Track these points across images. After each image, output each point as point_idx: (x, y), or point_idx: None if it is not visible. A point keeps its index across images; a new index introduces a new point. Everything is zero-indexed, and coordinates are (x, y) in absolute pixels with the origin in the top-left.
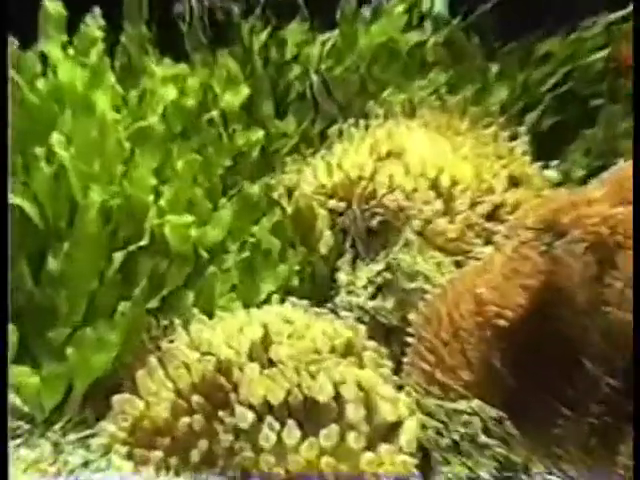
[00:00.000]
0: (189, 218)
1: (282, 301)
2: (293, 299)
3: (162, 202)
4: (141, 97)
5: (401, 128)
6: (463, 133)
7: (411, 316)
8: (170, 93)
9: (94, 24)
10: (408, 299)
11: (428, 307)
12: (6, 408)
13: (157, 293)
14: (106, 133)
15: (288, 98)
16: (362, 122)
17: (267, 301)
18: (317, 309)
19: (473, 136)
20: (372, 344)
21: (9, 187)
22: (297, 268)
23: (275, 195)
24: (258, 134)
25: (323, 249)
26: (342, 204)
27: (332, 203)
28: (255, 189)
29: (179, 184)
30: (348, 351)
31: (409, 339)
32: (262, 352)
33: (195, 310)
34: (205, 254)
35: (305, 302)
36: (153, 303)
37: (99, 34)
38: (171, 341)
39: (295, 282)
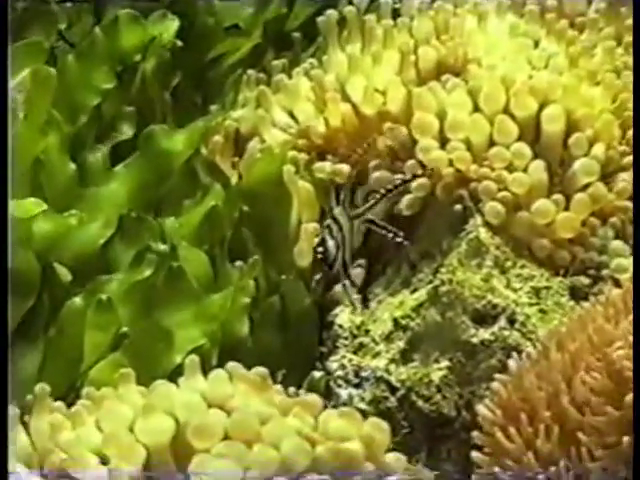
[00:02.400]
0: (37, 205)
1: (213, 367)
2: (234, 365)
3: None
4: None
5: (463, 15)
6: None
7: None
8: None
9: None
10: (474, 365)
11: (516, 382)
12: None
13: None
14: None
15: None
16: (386, 1)
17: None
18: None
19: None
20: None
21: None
22: (245, 300)
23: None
24: (172, 25)
25: (301, 259)
26: (344, 167)
27: (326, 166)
28: (169, 141)
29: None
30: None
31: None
32: None
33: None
34: (64, 273)
35: (261, 371)
36: None
37: None
38: None
39: (242, 328)
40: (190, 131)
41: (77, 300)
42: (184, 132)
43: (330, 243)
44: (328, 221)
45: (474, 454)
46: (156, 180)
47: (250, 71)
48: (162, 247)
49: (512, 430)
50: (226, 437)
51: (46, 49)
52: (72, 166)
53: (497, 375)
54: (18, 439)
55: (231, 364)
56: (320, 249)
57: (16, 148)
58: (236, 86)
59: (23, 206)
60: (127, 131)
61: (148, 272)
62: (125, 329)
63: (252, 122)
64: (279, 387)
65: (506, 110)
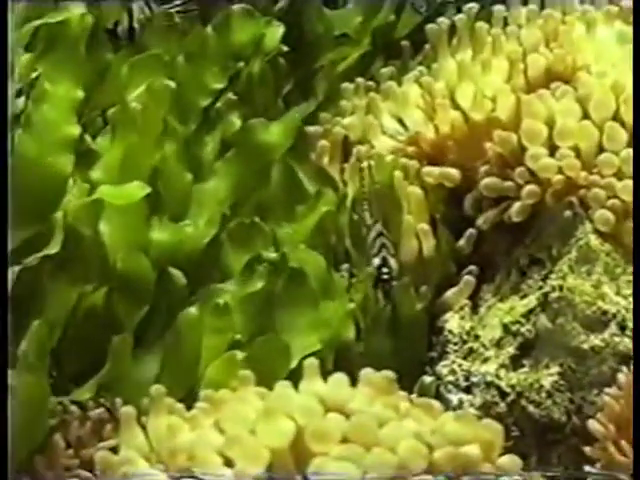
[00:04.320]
0: (141, 188)
1: (327, 373)
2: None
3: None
4: None
5: (572, 22)
6: None
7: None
8: None
9: None
10: (584, 371)
11: (627, 395)
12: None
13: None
14: None
15: None
16: (498, 9)
17: (297, 373)
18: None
19: None
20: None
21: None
22: (351, 306)
23: (323, 161)
24: (278, 30)
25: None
26: (453, 171)
27: (435, 170)
28: (265, 133)
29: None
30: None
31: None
32: None
33: (162, 389)
34: (180, 278)
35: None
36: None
37: None
38: None
39: (349, 333)
40: (286, 122)
41: (192, 310)
42: (280, 124)
43: (392, 261)
44: (383, 239)
45: (587, 468)
46: (255, 175)
47: (359, 79)
48: (273, 255)
49: (625, 444)
50: (346, 440)
51: (165, 61)
52: (189, 175)
53: (607, 389)
54: (136, 439)
55: (365, 370)
56: (384, 270)
57: (131, 158)
58: (346, 94)
59: (128, 192)
60: (236, 121)
61: (261, 282)
62: (239, 336)
63: (361, 129)
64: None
65: (615, 117)
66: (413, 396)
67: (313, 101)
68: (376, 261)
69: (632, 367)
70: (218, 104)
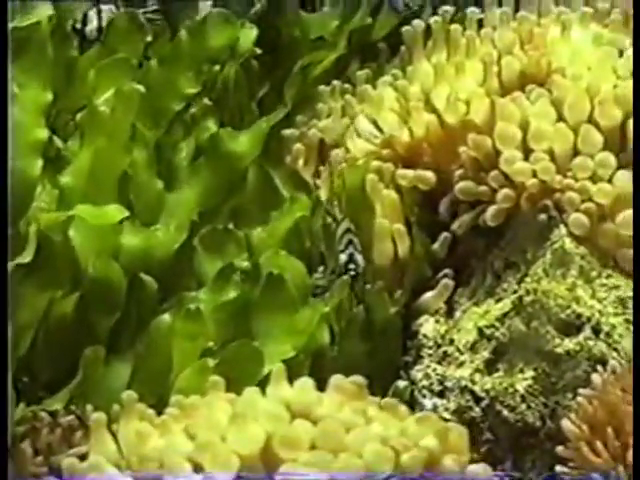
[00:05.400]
0: (119, 211)
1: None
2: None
3: (64, 177)
4: None
5: (547, 25)
6: None
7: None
8: None
9: None
10: (559, 375)
11: (602, 396)
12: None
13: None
14: None
15: None
16: (472, 11)
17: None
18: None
19: None
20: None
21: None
22: (326, 310)
23: (298, 165)
24: (251, 33)
25: (381, 259)
26: (430, 175)
27: (409, 173)
28: (233, 143)
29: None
30: None
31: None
32: None
33: (134, 396)
34: (151, 284)
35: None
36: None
37: None
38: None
39: (324, 337)
40: (254, 132)
41: (165, 317)
42: (248, 133)
43: (359, 257)
44: (351, 236)
45: (559, 468)
46: (224, 184)
47: (335, 82)
48: (246, 264)
49: (599, 445)
50: (314, 446)
51: (133, 65)
52: (159, 181)
53: (582, 390)
54: (106, 446)
55: (335, 376)
56: (351, 266)
57: (100, 163)
58: (322, 97)
59: (106, 213)
60: (212, 127)
61: (235, 290)
62: (212, 344)
63: (337, 132)
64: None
65: (590, 120)
66: (382, 400)
67: (284, 107)
68: (343, 257)
69: (632, 367)
70: (192, 109)
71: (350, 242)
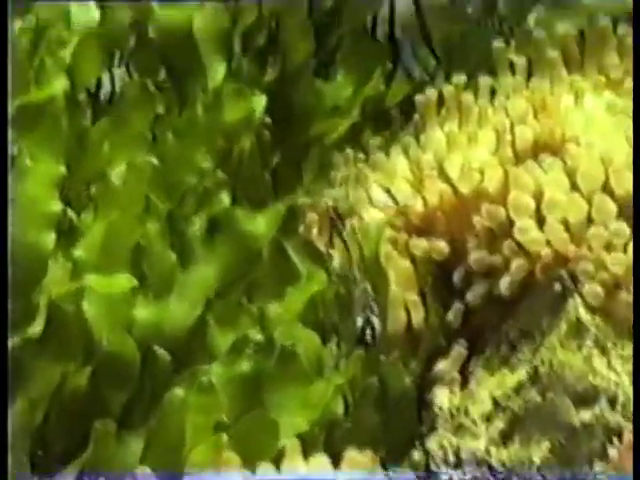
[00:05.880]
0: (129, 280)
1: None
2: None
3: (77, 249)
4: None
5: (560, 93)
6: None
7: None
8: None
9: None
10: (575, 446)
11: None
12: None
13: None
14: None
15: (339, 38)
16: (485, 80)
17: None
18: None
19: None
20: None
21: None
22: (340, 382)
23: (312, 234)
24: (262, 100)
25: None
26: (443, 245)
27: (423, 243)
28: (250, 223)
29: (110, 213)
30: None
31: None
32: None
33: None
34: (165, 357)
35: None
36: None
37: None
38: None
39: (338, 408)
40: (271, 214)
41: (177, 390)
42: (265, 215)
43: (375, 320)
44: (368, 299)
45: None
46: (241, 262)
47: (349, 150)
48: (260, 336)
49: None
50: None
51: (146, 138)
52: (173, 254)
53: (598, 463)
54: None
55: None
56: (368, 330)
57: (114, 236)
58: (335, 165)
59: (116, 282)
60: (225, 200)
61: (248, 363)
62: (225, 417)
63: (350, 201)
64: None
65: (605, 189)
66: (391, 473)
67: (302, 186)
68: (359, 320)
69: (632, 367)
70: (206, 182)
71: (367, 306)
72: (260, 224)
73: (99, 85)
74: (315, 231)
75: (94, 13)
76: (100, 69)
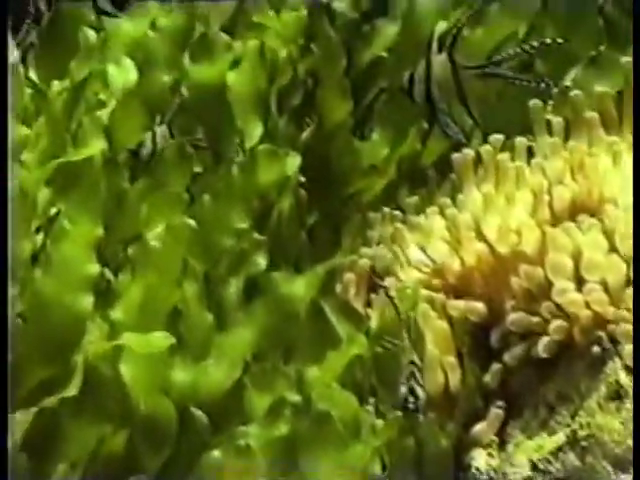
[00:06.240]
0: (166, 338)
1: None
2: None
3: (115, 311)
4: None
5: (597, 154)
6: None
7: None
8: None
9: None
10: None
11: None
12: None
13: None
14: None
15: (372, 96)
16: (521, 140)
17: None
18: None
19: None
20: None
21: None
22: (377, 443)
23: (349, 294)
24: (296, 160)
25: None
26: (481, 306)
27: (460, 304)
28: (289, 286)
29: (147, 274)
30: None
31: None
32: None
33: None
34: (202, 419)
35: None
36: None
37: None
38: None
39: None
40: (310, 277)
41: (215, 453)
42: (305, 277)
43: (419, 390)
44: (413, 368)
45: None
46: (279, 326)
47: (385, 208)
48: (298, 398)
49: None
50: None
51: (184, 199)
52: (210, 316)
53: None
54: None
55: None
56: (411, 399)
57: (151, 298)
58: (372, 223)
59: (153, 341)
60: (261, 262)
61: (286, 426)
62: None
63: (387, 260)
64: None
65: None
66: None
67: (338, 247)
68: (403, 389)
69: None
70: (243, 244)
71: (412, 375)
72: (298, 286)
73: (139, 145)
74: (353, 291)
75: (132, 74)
76: (140, 130)
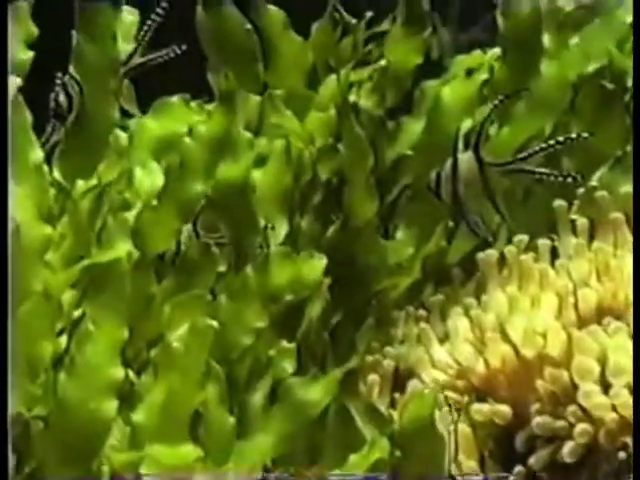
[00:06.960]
0: (194, 451)
1: None
2: None
3: (137, 414)
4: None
5: (623, 255)
6: None
7: None
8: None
9: None
10: None
11: None
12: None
13: None
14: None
15: (397, 194)
16: (545, 242)
17: None
18: None
19: None
20: None
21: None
22: None
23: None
24: (321, 262)
25: None
26: (506, 409)
27: (484, 407)
28: (305, 391)
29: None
30: None
31: None
32: None
33: None
34: None
35: None
36: None
37: None
38: None
39: None
40: (328, 381)
41: None
42: (321, 382)
43: None
44: None
45: None
46: (299, 431)
47: (409, 307)
48: None
49: None
50: None
51: (207, 300)
52: (231, 419)
53: None
54: None
55: None
56: None
57: (174, 401)
58: (396, 322)
59: (181, 453)
60: (288, 368)
61: None
62: None
63: (411, 360)
64: None
65: None
66: None
67: (361, 347)
68: None
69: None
70: (271, 351)
71: None
72: (320, 389)
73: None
74: (376, 392)
75: (158, 177)
76: (168, 234)
